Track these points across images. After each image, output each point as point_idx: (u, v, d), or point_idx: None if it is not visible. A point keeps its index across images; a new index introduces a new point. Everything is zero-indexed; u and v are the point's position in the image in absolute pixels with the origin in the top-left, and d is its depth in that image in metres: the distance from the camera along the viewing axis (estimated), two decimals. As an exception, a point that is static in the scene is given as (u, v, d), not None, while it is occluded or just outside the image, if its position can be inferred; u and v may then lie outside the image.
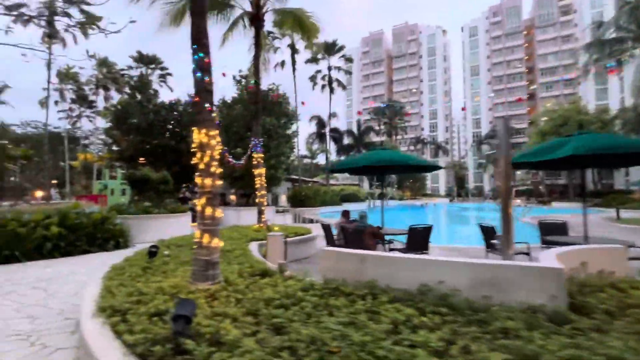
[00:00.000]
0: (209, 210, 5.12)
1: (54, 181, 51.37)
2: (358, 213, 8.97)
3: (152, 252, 6.72)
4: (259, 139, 12.66)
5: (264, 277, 5.28)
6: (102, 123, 59.12)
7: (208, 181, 5.16)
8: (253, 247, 8.02)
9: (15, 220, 10.82)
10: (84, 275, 8.65)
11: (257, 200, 12.79)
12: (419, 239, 8.27)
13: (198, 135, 5.14)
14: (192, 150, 5.21)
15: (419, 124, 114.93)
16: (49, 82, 45.26)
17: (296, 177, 45.46)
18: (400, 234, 9.15)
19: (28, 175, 51.05)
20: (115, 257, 10.83)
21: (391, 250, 8.76)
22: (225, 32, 14.00)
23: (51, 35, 40.91)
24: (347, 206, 38.66)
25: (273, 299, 4.16)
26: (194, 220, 21.69)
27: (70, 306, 6.17)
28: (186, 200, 26.41)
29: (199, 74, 5.12)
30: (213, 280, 4.97)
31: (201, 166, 5.20)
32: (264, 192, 12.54)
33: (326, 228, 9.59)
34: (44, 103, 49.48)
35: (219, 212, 5.21)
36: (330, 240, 9.19)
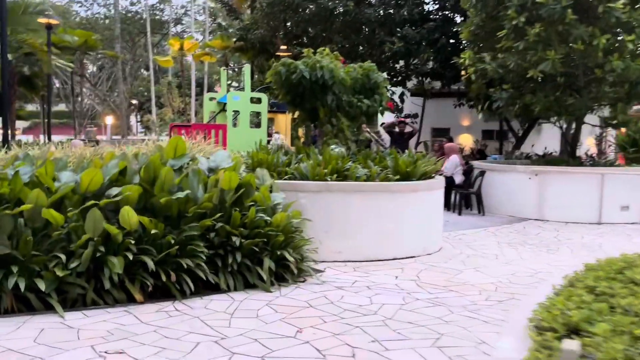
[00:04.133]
0: None
1: (133, 101, 42.73)
2: None
3: None
4: None
5: None
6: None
7: None
8: None
9: (38, 184, 3.87)
10: None
11: None
12: None
13: None
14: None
15: None
16: None
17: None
18: None
19: (96, 91, 40.05)
20: (285, 330, 3.23)
21: None
22: None
23: None
24: None
25: None
26: (446, 204, 8.18)
27: None
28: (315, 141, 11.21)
29: None
30: None
31: None
32: None
33: None
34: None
35: None
36: None
